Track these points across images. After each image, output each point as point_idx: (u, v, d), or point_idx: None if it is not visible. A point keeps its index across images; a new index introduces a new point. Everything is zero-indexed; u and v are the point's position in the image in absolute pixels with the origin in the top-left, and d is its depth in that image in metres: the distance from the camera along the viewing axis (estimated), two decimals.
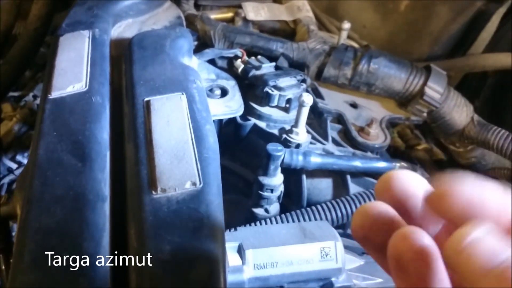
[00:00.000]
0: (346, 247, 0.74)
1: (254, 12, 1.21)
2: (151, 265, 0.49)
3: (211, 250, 0.51)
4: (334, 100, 1.04)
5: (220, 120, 0.88)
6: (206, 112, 0.68)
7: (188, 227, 0.52)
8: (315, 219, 0.78)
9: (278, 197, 0.82)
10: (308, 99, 0.79)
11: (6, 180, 1.11)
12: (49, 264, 0.49)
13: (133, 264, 0.51)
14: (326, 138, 0.93)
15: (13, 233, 0.74)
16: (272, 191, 0.79)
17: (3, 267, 0.69)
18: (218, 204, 0.56)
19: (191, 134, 0.62)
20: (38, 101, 1.26)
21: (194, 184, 0.56)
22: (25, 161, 1.14)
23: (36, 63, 1.39)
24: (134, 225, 0.54)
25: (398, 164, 0.90)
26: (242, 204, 0.87)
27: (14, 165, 1.14)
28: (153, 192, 0.55)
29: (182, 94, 0.68)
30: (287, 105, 0.91)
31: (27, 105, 1.26)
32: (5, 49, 1.23)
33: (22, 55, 1.16)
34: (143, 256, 0.50)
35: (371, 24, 1.58)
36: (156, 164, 0.58)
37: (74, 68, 0.74)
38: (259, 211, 0.82)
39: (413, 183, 0.35)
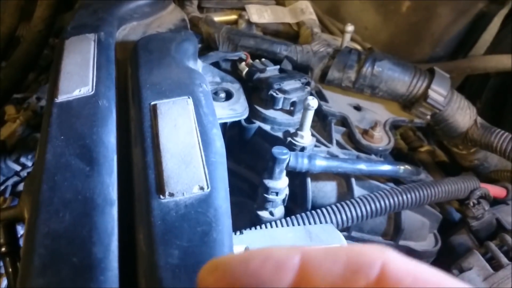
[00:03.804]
0: None
1: (258, 15, 1.21)
2: (159, 269, 0.49)
3: (219, 255, 0.51)
4: (338, 103, 1.04)
5: (225, 123, 0.88)
6: (213, 116, 0.68)
7: (196, 232, 0.52)
8: (321, 222, 0.78)
9: (283, 200, 0.82)
10: (313, 102, 0.79)
11: (10, 182, 1.11)
12: (59, 269, 0.49)
13: (142, 269, 0.51)
14: (330, 141, 0.93)
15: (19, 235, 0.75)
16: (277, 194, 0.79)
17: (10, 270, 0.69)
18: (226, 208, 0.56)
19: (198, 138, 0.62)
20: (41, 103, 1.26)
21: (202, 188, 0.56)
22: (29, 163, 1.15)
23: (39, 65, 1.39)
24: (142, 230, 0.54)
25: (402, 167, 0.90)
26: (247, 206, 0.87)
27: (18, 167, 1.14)
28: (161, 196, 0.55)
29: (189, 97, 0.69)
30: (292, 108, 0.92)
31: (31, 107, 1.26)
32: (9, 51, 1.23)
33: (26, 58, 1.17)
34: (152, 260, 0.50)
35: (373, 25, 1.59)
36: (163, 169, 0.58)
37: (80, 72, 0.74)
38: (264, 214, 0.82)
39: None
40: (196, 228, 0.53)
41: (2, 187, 1.09)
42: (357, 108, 1.06)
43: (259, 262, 0.26)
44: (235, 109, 0.86)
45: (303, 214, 0.79)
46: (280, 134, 0.90)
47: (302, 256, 0.26)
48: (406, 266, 0.26)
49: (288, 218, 0.78)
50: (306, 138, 0.85)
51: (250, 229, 0.74)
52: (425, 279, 0.26)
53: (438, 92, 1.00)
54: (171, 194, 0.55)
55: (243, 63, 1.00)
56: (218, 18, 1.20)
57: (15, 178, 1.12)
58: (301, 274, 0.26)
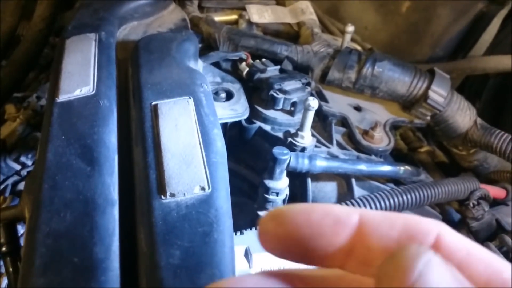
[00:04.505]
0: None
1: (258, 15, 1.21)
2: (161, 269, 0.49)
3: (220, 255, 0.51)
4: (338, 103, 1.04)
5: (225, 123, 0.88)
6: (214, 116, 0.68)
7: (197, 232, 0.52)
8: None
9: (284, 200, 0.82)
10: (314, 103, 0.79)
11: (10, 181, 1.11)
12: (60, 268, 0.49)
13: (143, 269, 0.52)
14: (330, 142, 0.93)
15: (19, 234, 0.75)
16: (277, 194, 0.79)
17: (11, 269, 0.69)
18: (226, 209, 0.56)
19: (199, 139, 0.62)
20: (41, 102, 1.26)
21: (203, 189, 0.56)
22: (29, 162, 1.14)
23: (40, 64, 1.39)
24: (143, 230, 0.54)
25: (402, 168, 0.90)
26: (247, 206, 0.87)
27: (18, 166, 1.14)
28: (162, 196, 0.55)
29: (190, 98, 0.69)
30: (292, 108, 0.92)
31: (31, 106, 1.26)
32: (9, 50, 1.23)
33: (26, 57, 1.17)
34: (153, 261, 0.50)
35: (373, 25, 1.59)
36: (164, 169, 0.58)
37: (81, 71, 0.74)
38: (264, 214, 0.82)
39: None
40: (197, 229, 0.53)
41: (2, 186, 1.09)
42: (357, 108, 1.06)
43: (320, 215, 0.27)
44: (235, 109, 0.86)
45: None
46: (280, 135, 0.90)
47: (361, 216, 0.27)
48: (461, 241, 0.26)
49: None
50: (306, 138, 0.85)
51: (251, 229, 0.74)
52: (478, 256, 0.26)
53: (438, 93, 1.00)
54: (172, 195, 0.55)
55: (244, 63, 1.00)
56: (218, 18, 1.20)
57: (15, 177, 1.11)
58: (358, 233, 0.26)
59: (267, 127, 0.91)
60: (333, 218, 0.27)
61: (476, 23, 1.48)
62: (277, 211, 0.28)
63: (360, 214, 0.27)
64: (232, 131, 0.93)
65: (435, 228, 0.26)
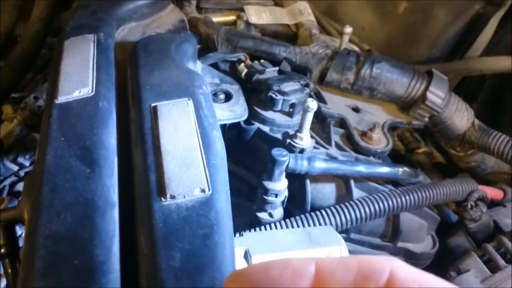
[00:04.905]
0: (350, 252, 0.75)
1: (256, 16, 1.21)
2: (161, 272, 0.49)
3: (220, 257, 0.51)
4: (337, 104, 1.04)
5: (224, 125, 0.88)
6: (213, 118, 0.68)
7: (197, 234, 0.52)
8: (320, 224, 0.78)
9: (282, 202, 0.82)
10: (313, 104, 0.80)
11: (7, 182, 1.11)
12: (60, 271, 0.49)
13: (143, 271, 0.51)
14: (329, 143, 0.93)
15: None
16: (276, 196, 0.79)
17: (9, 271, 0.69)
18: (227, 211, 0.56)
19: (198, 140, 0.62)
20: (39, 102, 1.26)
21: (203, 191, 0.56)
22: (27, 163, 1.14)
23: (37, 64, 1.39)
24: (143, 232, 0.54)
25: (401, 169, 0.90)
26: (246, 208, 0.87)
27: (15, 167, 1.13)
28: (162, 198, 0.55)
29: (189, 99, 0.68)
30: (291, 110, 0.92)
31: (28, 107, 1.25)
32: (7, 50, 1.23)
33: (23, 57, 1.16)
34: (153, 263, 0.50)
35: (370, 26, 1.59)
36: (164, 171, 0.58)
37: (80, 73, 0.74)
38: (263, 215, 0.82)
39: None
40: (197, 231, 0.53)
41: (0, 187, 1.09)
42: (356, 109, 1.06)
43: (278, 270, 0.28)
44: (234, 111, 0.86)
45: (303, 216, 0.79)
46: (279, 136, 0.90)
47: (317, 265, 0.28)
48: (412, 274, 0.28)
49: (287, 220, 0.78)
50: (305, 140, 0.85)
51: (250, 231, 0.74)
52: (429, 285, 0.27)
53: (436, 94, 1.00)
54: (172, 197, 0.55)
55: (242, 64, 1.00)
56: (216, 18, 1.20)
57: (13, 178, 1.11)
58: (316, 281, 0.28)
59: (265, 128, 0.91)
60: (292, 271, 0.28)
61: (473, 24, 1.48)
62: (237, 273, 0.30)
63: (316, 263, 0.28)
64: (231, 132, 0.93)
65: (387, 265, 0.28)
